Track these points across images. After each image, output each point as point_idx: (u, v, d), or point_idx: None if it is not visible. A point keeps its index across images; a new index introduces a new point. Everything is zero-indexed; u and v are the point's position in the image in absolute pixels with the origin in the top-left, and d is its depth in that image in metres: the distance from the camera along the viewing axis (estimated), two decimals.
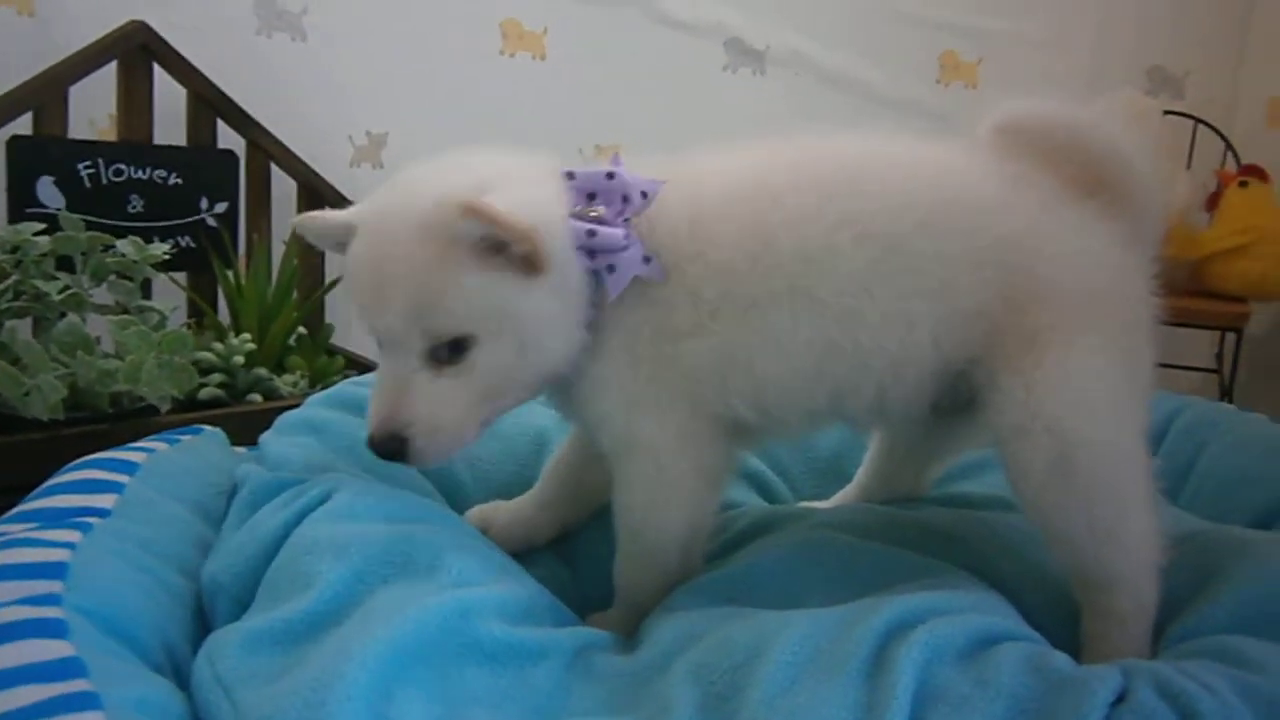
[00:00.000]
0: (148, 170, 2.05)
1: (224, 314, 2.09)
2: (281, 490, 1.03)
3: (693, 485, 1.00)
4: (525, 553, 1.14)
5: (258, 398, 1.84)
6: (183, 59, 2.09)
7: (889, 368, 0.96)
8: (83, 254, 1.68)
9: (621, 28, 2.60)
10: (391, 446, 0.92)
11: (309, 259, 2.25)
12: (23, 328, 1.63)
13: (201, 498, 1.10)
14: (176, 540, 1.01)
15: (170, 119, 2.12)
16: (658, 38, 2.62)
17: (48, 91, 1.93)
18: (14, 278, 1.59)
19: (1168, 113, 2.53)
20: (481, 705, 0.79)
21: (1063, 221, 0.96)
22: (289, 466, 1.11)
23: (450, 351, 0.91)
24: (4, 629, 0.75)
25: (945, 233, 0.94)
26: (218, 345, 1.86)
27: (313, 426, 1.20)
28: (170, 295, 2.03)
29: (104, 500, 0.99)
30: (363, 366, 2.05)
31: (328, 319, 2.26)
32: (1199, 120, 2.57)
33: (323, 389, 1.36)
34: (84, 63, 1.97)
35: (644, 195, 0.95)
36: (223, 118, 2.16)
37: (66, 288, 1.62)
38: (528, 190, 0.92)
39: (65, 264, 1.68)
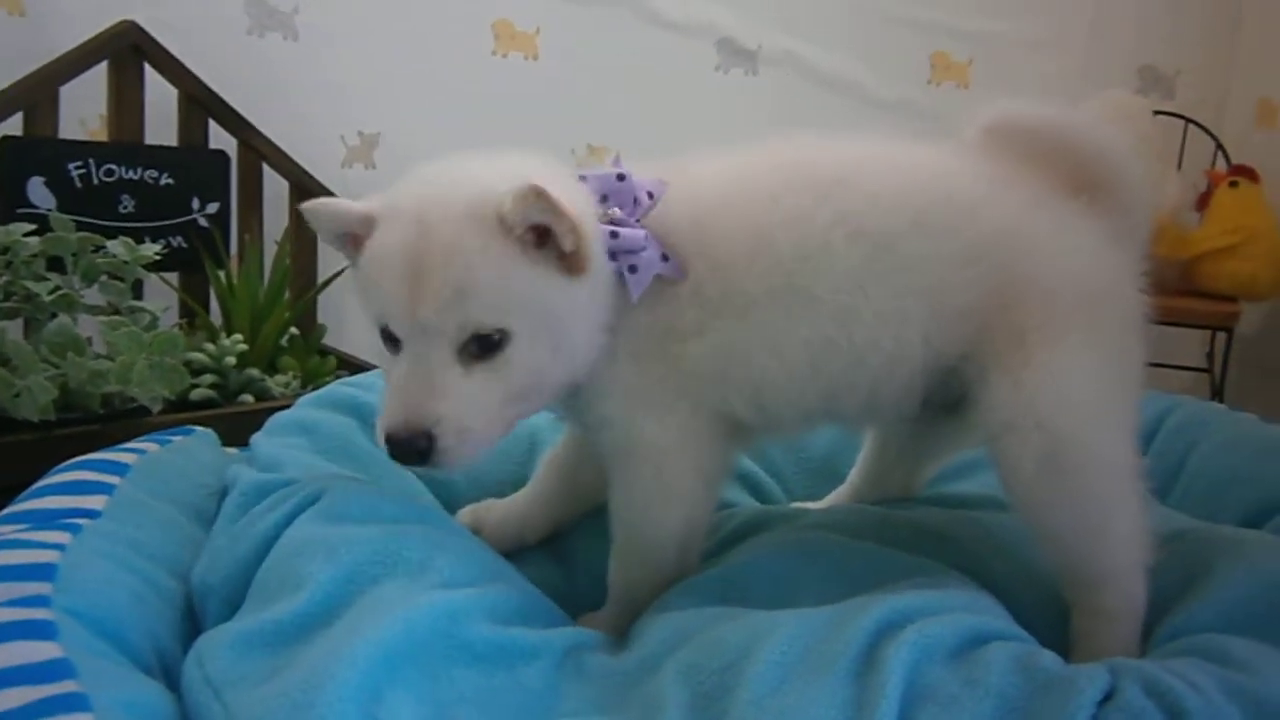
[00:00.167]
0: (139, 170, 2.04)
1: (216, 314, 2.09)
2: (272, 491, 1.03)
3: (691, 485, 1.00)
4: (517, 552, 1.14)
5: (250, 398, 1.84)
6: (174, 59, 2.08)
7: (883, 365, 0.96)
8: (73, 254, 1.67)
9: (613, 28, 2.60)
10: (418, 445, 0.87)
11: (301, 259, 2.25)
12: (13, 329, 1.63)
13: (192, 499, 1.10)
14: (167, 541, 1.00)
15: (161, 119, 2.12)
16: (650, 38, 2.62)
17: (38, 91, 1.92)
18: (4, 278, 1.59)
19: (1158, 113, 2.54)
20: (471, 706, 0.79)
21: (1050, 220, 0.97)
22: (280, 468, 1.11)
23: (482, 347, 0.88)
24: None
25: (936, 232, 0.95)
26: (209, 346, 1.86)
27: (304, 427, 1.20)
28: (162, 296, 2.02)
29: (94, 501, 0.99)
30: (355, 367, 2.05)
31: (320, 319, 2.26)
32: (1189, 120, 2.58)
33: (315, 390, 1.35)
34: (75, 62, 1.97)
35: (650, 196, 0.95)
36: (214, 118, 2.16)
37: (57, 288, 1.62)
38: (565, 190, 0.91)
39: (56, 264, 1.68)
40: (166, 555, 0.98)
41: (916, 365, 0.97)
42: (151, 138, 2.10)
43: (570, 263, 0.89)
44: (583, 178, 0.97)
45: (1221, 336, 2.37)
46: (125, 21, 2.03)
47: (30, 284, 1.58)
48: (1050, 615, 0.97)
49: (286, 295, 2.10)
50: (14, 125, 1.93)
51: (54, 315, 1.62)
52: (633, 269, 0.93)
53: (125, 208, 2.03)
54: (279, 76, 2.40)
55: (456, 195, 0.89)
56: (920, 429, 1.16)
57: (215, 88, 2.14)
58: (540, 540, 1.17)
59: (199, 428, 1.28)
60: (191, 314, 2.08)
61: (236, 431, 1.28)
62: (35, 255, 1.63)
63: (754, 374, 0.97)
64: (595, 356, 0.94)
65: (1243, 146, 2.55)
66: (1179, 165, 2.56)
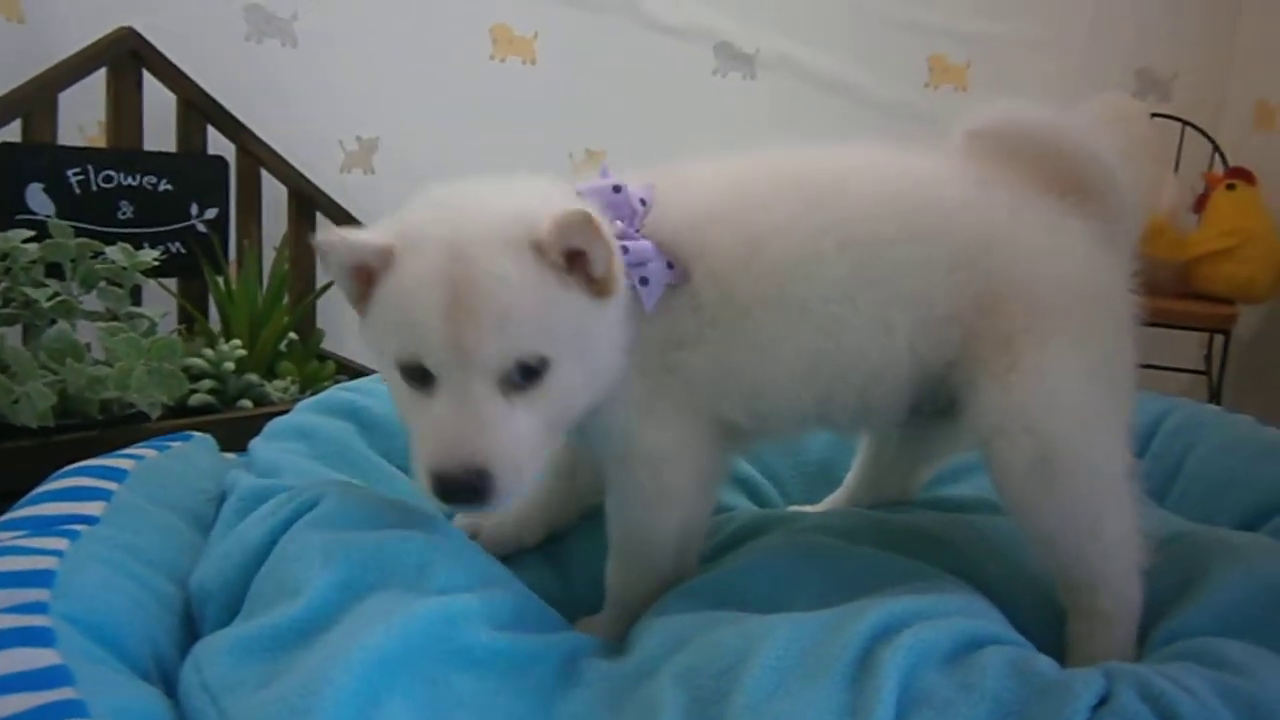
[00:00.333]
0: (138, 176, 2.05)
1: (215, 320, 2.09)
2: (270, 497, 1.03)
3: (689, 491, 1.00)
4: (514, 556, 1.14)
5: (248, 404, 1.84)
6: (172, 65, 2.09)
7: (870, 374, 0.97)
8: (72, 261, 1.68)
9: (611, 32, 2.60)
10: (473, 484, 0.83)
11: (300, 265, 2.26)
12: (12, 335, 1.63)
13: (191, 504, 1.11)
14: (165, 547, 1.01)
15: (160, 125, 2.12)
16: (647, 42, 2.62)
17: (37, 98, 1.93)
18: (3, 285, 1.60)
19: (1155, 115, 2.54)
20: (469, 711, 0.79)
21: (1034, 223, 0.97)
22: (278, 473, 1.11)
23: (523, 377, 0.85)
24: None
25: (921, 239, 0.95)
26: (208, 351, 1.87)
27: (302, 432, 1.20)
28: (161, 302, 2.03)
29: (92, 508, 0.99)
30: (354, 372, 2.05)
31: (319, 324, 2.26)
32: (1186, 123, 2.58)
33: (313, 395, 1.36)
34: (73, 69, 1.97)
35: (643, 203, 0.95)
36: (213, 123, 2.16)
37: (56, 294, 1.62)
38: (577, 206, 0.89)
39: (55, 271, 1.68)
40: (165, 561, 0.98)
41: (903, 373, 0.97)
42: (150, 144, 2.11)
43: (600, 286, 0.88)
44: (579, 192, 0.96)
45: (1219, 339, 2.38)
46: (124, 28, 2.03)
47: (29, 290, 1.59)
48: (1046, 619, 0.98)
49: (285, 300, 2.10)
50: (12, 132, 1.94)
51: (53, 321, 1.62)
52: (644, 281, 0.92)
53: (124, 214, 2.04)
54: (277, 82, 2.41)
55: (490, 221, 0.87)
56: (913, 433, 1.16)
57: (214, 94, 2.15)
58: (538, 543, 1.17)
59: (197, 433, 1.28)
60: (190, 320, 2.08)
61: (235, 437, 1.29)
62: (34, 261, 1.63)
63: (749, 383, 0.97)
64: (619, 377, 0.93)
65: (1240, 149, 2.55)
66: (1176, 168, 2.57)
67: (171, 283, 2.13)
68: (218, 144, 2.19)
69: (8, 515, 0.98)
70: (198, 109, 2.14)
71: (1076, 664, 0.87)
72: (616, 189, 0.95)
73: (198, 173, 2.14)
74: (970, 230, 0.95)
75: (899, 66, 2.72)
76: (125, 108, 2.07)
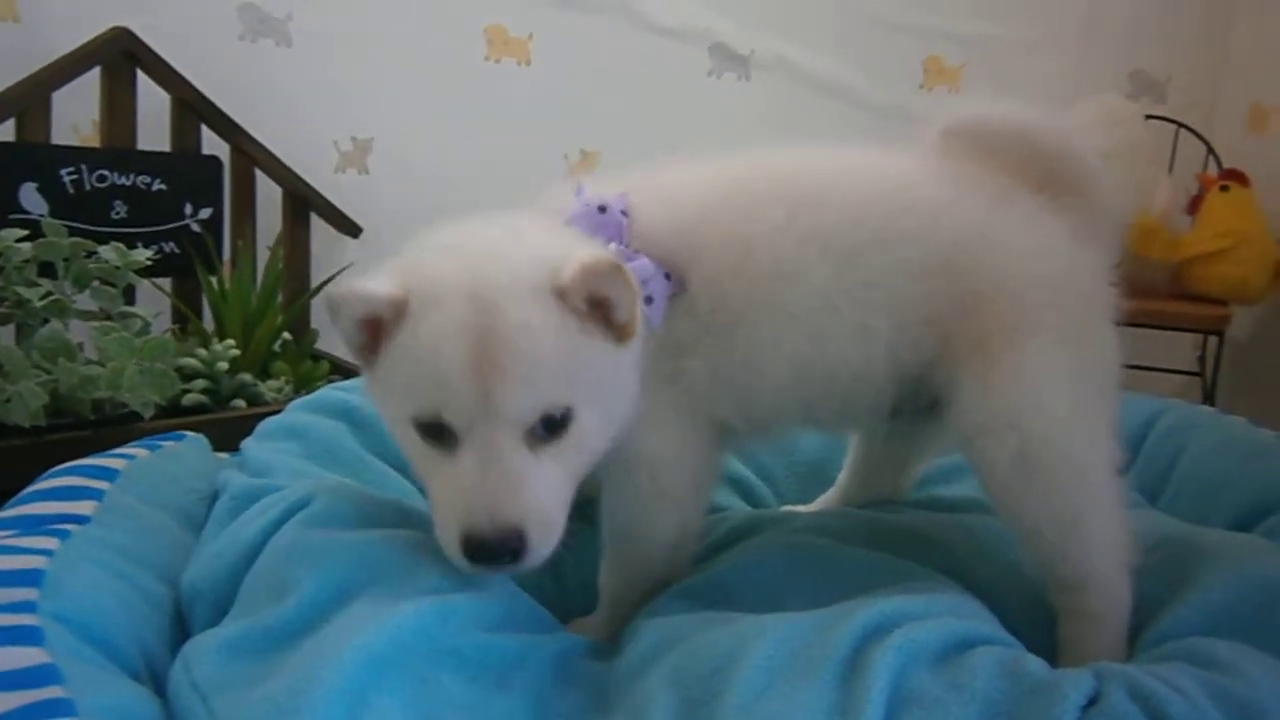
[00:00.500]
0: (131, 176, 2.05)
1: (209, 320, 2.09)
2: (261, 496, 1.03)
3: (685, 494, 1.00)
4: None
5: (242, 404, 1.84)
6: (167, 65, 2.09)
7: (852, 379, 0.97)
8: (65, 260, 1.68)
9: (606, 33, 2.60)
10: (511, 545, 0.81)
11: (294, 265, 2.26)
12: (5, 334, 1.63)
13: (183, 504, 1.11)
14: (157, 547, 1.01)
15: (154, 125, 2.12)
16: (642, 43, 2.63)
17: (31, 97, 1.93)
18: None
19: (1150, 117, 2.54)
20: (458, 711, 0.79)
21: (1011, 221, 0.97)
22: (270, 473, 1.11)
23: (547, 428, 0.83)
24: None
25: (898, 244, 0.95)
26: (202, 351, 1.86)
27: (294, 432, 1.20)
28: (154, 302, 2.03)
29: (83, 507, 0.99)
30: (347, 372, 2.05)
31: (313, 324, 2.26)
32: (1181, 125, 2.59)
33: (307, 395, 1.36)
34: (68, 69, 1.97)
35: (624, 214, 0.94)
36: (207, 123, 2.16)
37: (49, 294, 1.62)
38: (601, 253, 0.88)
39: (48, 270, 1.68)
40: (156, 561, 0.98)
41: (884, 376, 0.97)
42: (144, 144, 2.11)
43: (621, 331, 0.87)
44: (570, 221, 0.94)
45: (1213, 340, 2.38)
46: (118, 28, 2.03)
47: (21, 289, 1.58)
48: (1037, 620, 0.98)
49: (279, 300, 2.10)
50: (6, 131, 1.94)
51: (45, 321, 1.62)
52: (649, 300, 0.91)
53: (118, 213, 2.03)
54: (272, 82, 2.41)
55: (511, 269, 0.84)
56: (898, 431, 1.17)
57: (208, 94, 2.15)
58: None
59: (190, 433, 1.28)
60: (184, 320, 2.08)
61: (229, 437, 1.29)
62: (27, 261, 1.63)
63: (741, 388, 0.97)
64: (633, 416, 0.91)
65: (1234, 151, 2.55)
66: (1170, 169, 2.57)
67: (165, 283, 2.13)
68: (212, 144, 2.19)
69: None
70: (192, 109, 2.14)
71: (1068, 665, 0.86)
72: (602, 208, 0.93)
73: (192, 172, 2.14)
74: (948, 232, 0.95)
75: (894, 68, 2.72)
76: (119, 107, 2.07)
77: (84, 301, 1.71)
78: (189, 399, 1.77)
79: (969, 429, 0.94)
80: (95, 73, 2.03)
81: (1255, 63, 2.65)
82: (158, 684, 0.84)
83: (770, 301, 0.94)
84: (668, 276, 0.94)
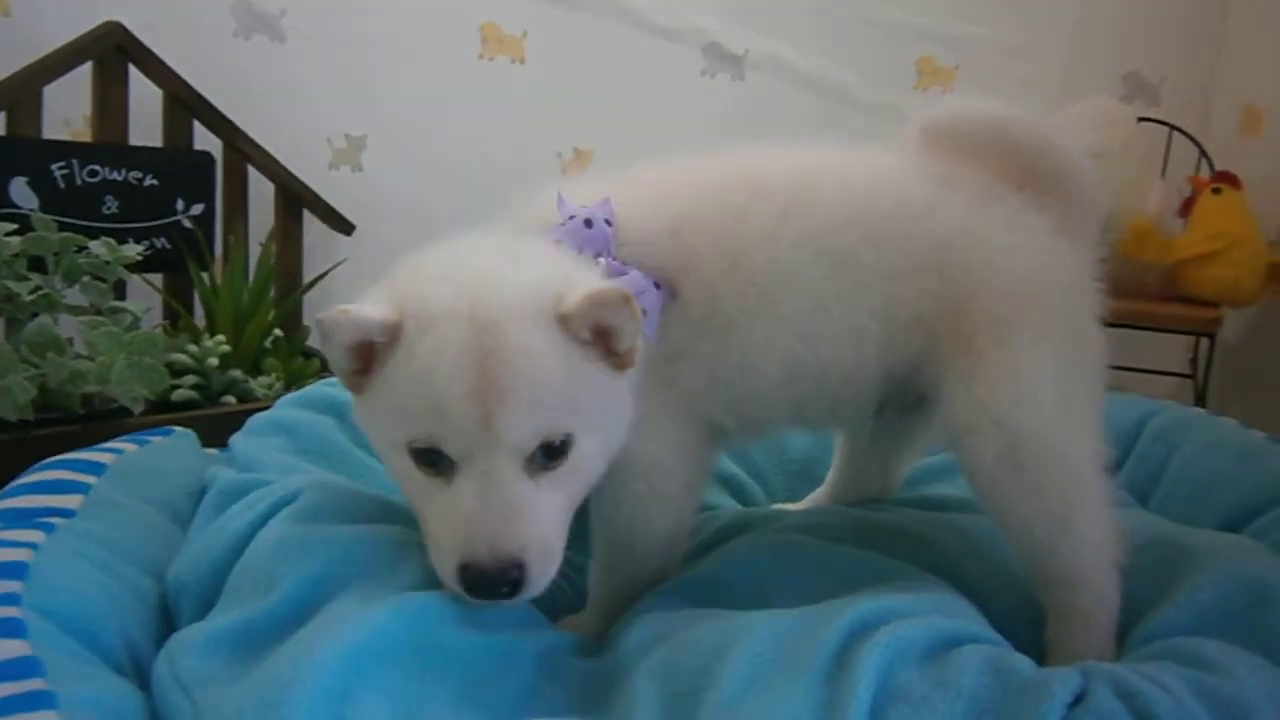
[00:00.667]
0: (123, 171, 2.04)
1: (200, 316, 2.08)
2: (249, 491, 1.03)
3: (680, 495, 1.00)
4: None
5: (232, 400, 1.84)
6: (159, 60, 2.08)
7: (843, 377, 0.97)
8: (55, 254, 1.67)
9: (600, 32, 2.60)
10: (510, 576, 0.79)
11: (286, 261, 2.25)
12: None
13: (170, 499, 1.10)
14: (143, 541, 1.00)
15: (146, 120, 2.12)
16: (636, 42, 2.62)
17: (22, 91, 1.92)
18: None
19: (1143, 119, 2.54)
20: (442, 706, 0.79)
21: (993, 219, 0.97)
22: (259, 468, 1.11)
23: (547, 456, 0.82)
24: None
25: (885, 245, 0.95)
26: (192, 347, 1.86)
27: (282, 427, 1.20)
28: (146, 297, 2.02)
29: (69, 501, 0.99)
30: None
31: (304, 321, 2.26)
32: (1174, 127, 2.59)
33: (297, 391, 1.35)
34: (59, 63, 1.96)
35: (608, 223, 0.93)
36: (199, 119, 2.15)
37: (38, 288, 1.62)
38: (597, 279, 0.87)
39: (38, 265, 1.67)
40: (142, 555, 0.98)
41: (873, 376, 0.98)
42: (136, 139, 2.10)
43: (621, 360, 0.86)
44: (558, 239, 0.93)
45: (1205, 342, 2.38)
46: (110, 22, 2.02)
47: (11, 283, 1.58)
48: (1026, 619, 0.98)
49: (271, 297, 2.10)
50: None
51: (34, 315, 1.61)
52: (642, 312, 0.89)
53: (109, 209, 2.02)
54: (265, 78, 2.40)
55: (511, 292, 0.83)
56: (883, 428, 1.17)
57: (201, 89, 2.14)
58: None
59: (178, 428, 1.28)
60: (175, 315, 2.07)
61: (218, 433, 1.28)
62: (16, 255, 1.62)
63: (736, 389, 0.97)
64: (626, 440, 0.90)
65: (1226, 153, 2.55)
66: (1163, 172, 2.57)
67: (156, 278, 2.12)
68: (204, 139, 2.18)
69: None
70: (184, 104, 2.13)
71: (1056, 664, 0.86)
72: (588, 222, 0.92)
73: (184, 168, 2.13)
74: (935, 231, 0.96)
75: (887, 69, 2.72)
76: (111, 102, 2.06)
77: (74, 297, 1.70)
78: (179, 395, 1.76)
79: (957, 427, 0.95)
80: (87, 67, 2.02)
81: (1249, 65, 2.65)
82: (142, 677, 0.83)
83: (763, 304, 0.94)
84: (657, 285, 0.93)
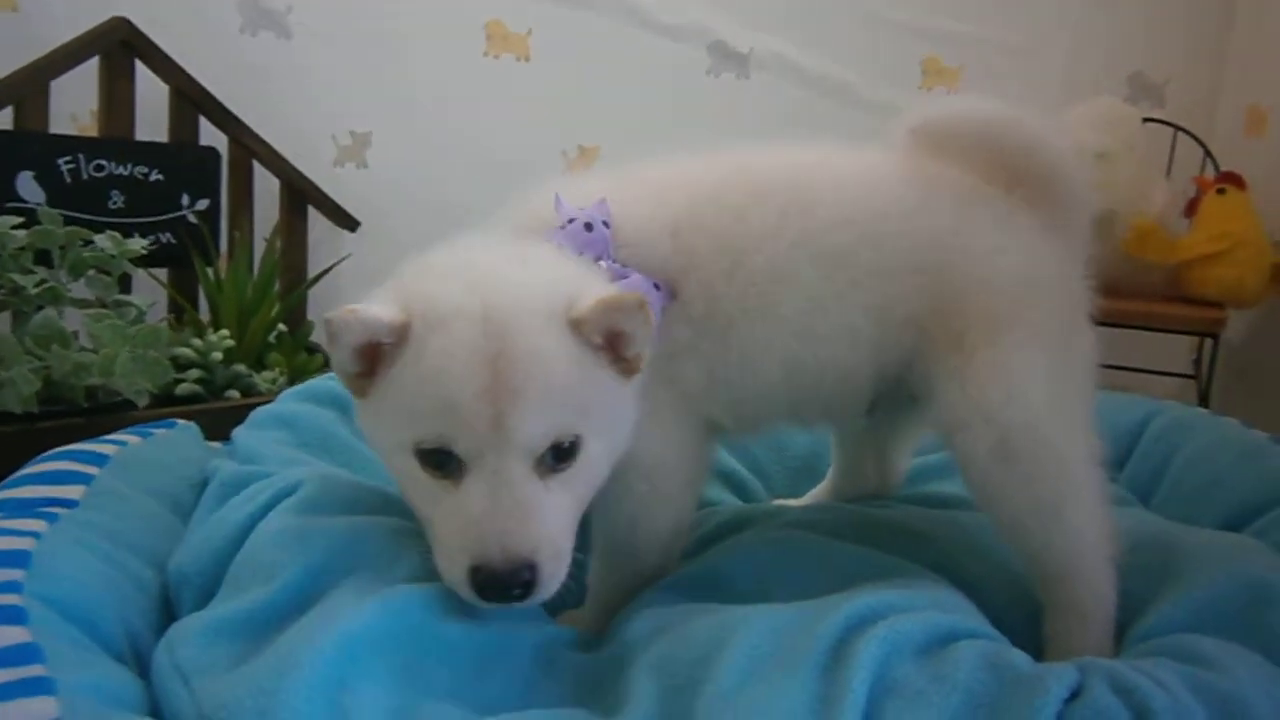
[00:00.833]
0: (129, 166, 2.04)
1: (205, 311, 2.09)
2: (250, 483, 1.03)
3: (680, 493, 1.01)
4: None
5: (236, 394, 1.84)
6: (165, 55, 2.09)
7: (838, 377, 0.98)
8: (61, 248, 1.68)
9: (605, 30, 2.60)
10: (522, 578, 0.79)
11: (290, 256, 2.26)
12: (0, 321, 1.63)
13: (172, 490, 1.11)
14: (145, 532, 1.01)
15: (152, 115, 2.12)
16: (642, 40, 2.62)
17: (29, 86, 1.93)
18: None
19: (1147, 120, 2.54)
20: (440, 698, 0.79)
21: (982, 219, 0.97)
22: (260, 460, 1.11)
23: (556, 458, 0.82)
24: None
25: (884, 243, 0.96)
26: (196, 341, 1.86)
27: (284, 421, 1.21)
28: (151, 292, 2.03)
29: (72, 491, 1.00)
30: None
31: (309, 316, 2.26)
32: (1179, 128, 2.58)
33: None
34: (66, 58, 1.97)
35: (606, 225, 0.94)
36: (205, 114, 2.16)
37: (43, 281, 1.62)
38: (607, 284, 0.88)
39: (43, 258, 1.68)
40: (143, 545, 0.98)
41: (867, 375, 0.98)
42: (142, 134, 2.11)
43: (629, 365, 0.87)
44: (559, 243, 0.92)
45: (1209, 343, 2.38)
46: (117, 18, 2.03)
47: (17, 277, 1.58)
48: (1024, 616, 0.98)
49: (275, 292, 2.10)
50: (4, 119, 1.94)
51: (40, 308, 1.62)
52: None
53: (115, 203, 2.03)
54: (271, 75, 2.41)
55: (524, 294, 0.83)
56: (876, 424, 1.18)
57: (207, 85, 2.15)
58: None
59: (181, 421, 1.28)
60: (180, 310, 2.08)
61: (222, 426, 1.29)
62: (22, 248, 1.63)
63: (736, 388, 0.98)
64: (631, 442, 0.91)
65: (1231, 153, 2.55)
66: (1168, 172, 2.57)
67: (161, 273, 2.13)
68: (209, 135, 2.18)
69: None
70: (190, 99, 2.14)
71: (1054, 660, 0.86)
72: (589, 226, 0.92)
73: (189, 163, 2.14)
74: (927, 231, 0.96)
75: (892, 68, 2.71)
76: (117, 97, 2.07)
77: (80, 290, 1.71)
78: (183, 389, 1.77)
79: (949, 424, 0.95)
80: (94, 62, 2.03)
81: (1253, 65, 2.64)
82: (142, 666, 0.84)
83: (763, 303, 0.95)
84: (657, 287, 0.93)
